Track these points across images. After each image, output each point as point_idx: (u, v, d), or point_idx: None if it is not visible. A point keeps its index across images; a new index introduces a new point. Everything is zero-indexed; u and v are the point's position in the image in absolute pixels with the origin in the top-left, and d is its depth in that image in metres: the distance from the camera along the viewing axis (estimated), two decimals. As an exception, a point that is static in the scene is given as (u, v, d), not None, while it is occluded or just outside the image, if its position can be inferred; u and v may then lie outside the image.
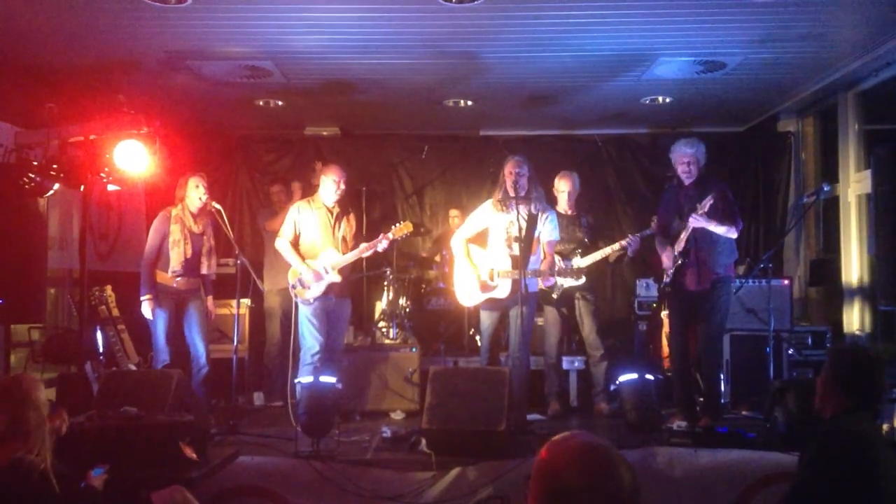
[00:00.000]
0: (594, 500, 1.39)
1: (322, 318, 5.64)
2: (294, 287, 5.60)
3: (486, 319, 5.56)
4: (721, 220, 5.17)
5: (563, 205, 6.03)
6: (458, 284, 5.58)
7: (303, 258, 5.63)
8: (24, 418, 2.98)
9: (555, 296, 5.91)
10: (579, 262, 5.79)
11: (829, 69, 6.19)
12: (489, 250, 5.49)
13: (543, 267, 5.35)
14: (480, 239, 5.62)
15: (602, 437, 1.52)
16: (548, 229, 5.41)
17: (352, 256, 5.67)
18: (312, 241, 5.69)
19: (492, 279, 5.38)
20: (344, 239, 5.74)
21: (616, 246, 5.82)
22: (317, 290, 5.57)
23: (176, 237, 5.67)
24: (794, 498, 2.78)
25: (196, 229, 5.76)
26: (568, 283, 5.83)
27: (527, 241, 5.26)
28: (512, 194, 5.28)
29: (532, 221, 5.30)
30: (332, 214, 5.74)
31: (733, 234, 5.25)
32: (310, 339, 5.60)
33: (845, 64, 6.01)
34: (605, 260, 5.93)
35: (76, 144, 4.83)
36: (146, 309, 5.62)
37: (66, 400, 5.38)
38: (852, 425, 2.81)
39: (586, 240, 5.99)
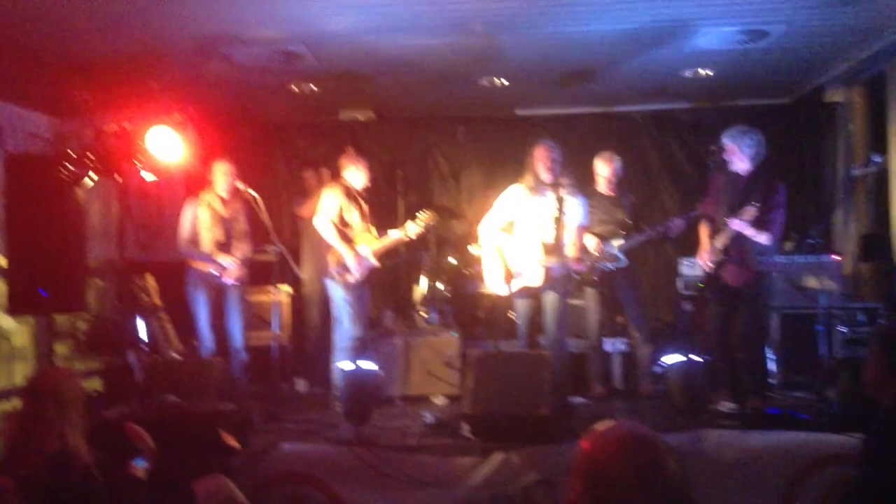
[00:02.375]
0: (642, 494, 1.31)
1: (359, 302, 5.63)
2: (336, 271, 5.58)
3: (521, 306, 5.48)
4: (759, 228, 5.01)
5: (603, 186, 5.94)
6: (489, 274, 5.50)
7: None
8: (53, 413, 2.99)
9: (595, 277, 5.80)
10: (616, 246, 5.69)
11: (878, 36, 5.93)
12: (518, 238, 5.39)
13: (574, 253, 5.23)
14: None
15: (646, 426, 1.44)
16: (577, 214, 5.30)
17: (388, 241, 5.67)
18: (352, 226, 5.69)
19: (524, 269, 5.27)
20: (372, 225, 5.77)
21: (650, 231, 5.74)
22: (358, 274, 5.58)
23: (206, 222, 5.69)
24: (863, 489, 2.66)
25: (225, 214, 5.76)
26: (608, 264, 5.74)
27: (559, 226, 5.18)
28: (544, 179, 5.19)
29: (563, 206, 5.21)
30: (361, 201, 5.75)
31: (764, 241, 5.08)
32: (349, 322, 5.59)
33: (892, 31, 5.76)
34: (648, 241, 5.82)
35: (111, 133, 4.84)
36: (231, 273, 5.63)
37: (112, 390, 5.46)
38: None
39: (628, 220, 5.88)
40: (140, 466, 3.26)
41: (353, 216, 5.72)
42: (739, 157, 5.15)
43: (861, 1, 5.13)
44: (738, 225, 5.00)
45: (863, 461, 2.72)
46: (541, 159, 5.24)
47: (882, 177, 6.85)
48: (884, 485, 2.57)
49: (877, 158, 5.79)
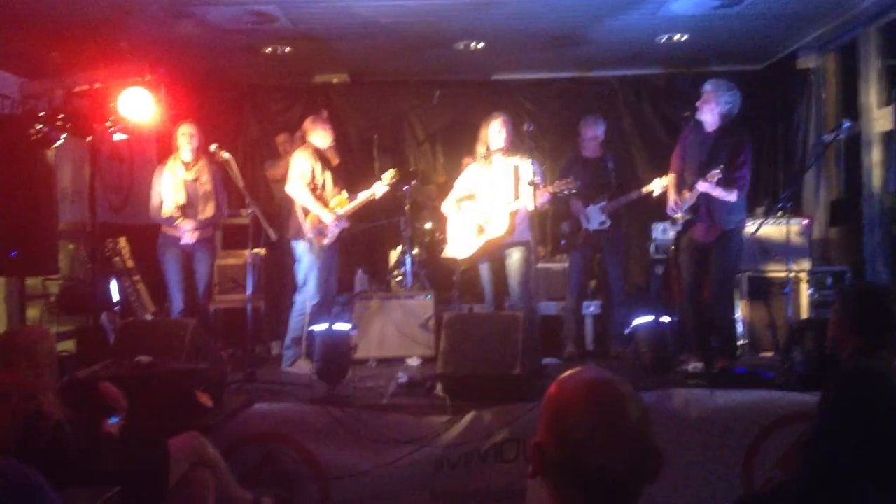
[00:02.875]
0: (599, 434, 1.36)
1: (325, 266, 5.70)
2: (311, 235, 5.59)
3: (485, 271, 5.54)
4: (726, 187, 5.03)
5: (588, 149, 6.00)
6: (452, 240, 5.55)
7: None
8: (27, 372, 3.00)
9: (580, 240, 5.88)
10: (599, 208, 5.74)
11: (849, 3, 5.97)
12: (477, 204, 5.45)
13: (527, 204, 5.25)
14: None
15: (616, 374, 1.48)
16: (527, 171, 5.31)
17: (359, 202, 5.71)
18: (324, 188, 5.70)
19: (486, 221, 5.33)
20: (337, 186, 5.80)
21: (635, 194, 5.79)
22: (332, 237, 5.62)
23: (167, 185, 5.69)
24: (816, 442, 2.74)
25: (189, 176, 5.74)
26: (593, 226, 5.83)
27: (515, 188, 5.26)
28: (496, 147, 5.25)
29: (516, 171, 5.29)
30: (330, 164, 5.80)
31: (732, 198, 5.10)
32: (315, 289, 5.65)
33: (867, -5, 5.81)
34: (627, 203, 5.89)
35: (81, 94, 4.78)
36: (187, 236, 5.67)
37: (85, 351, 5.45)
38: (870, 366, 2.75)
39: (612, 182, 5.93)
40: (114, 424, 3.28)
41: (325, 178, 5.73)
42: (711, 108, 5.12)
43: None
44: (706, 187, 5.04)
45: (819, 414, 2.80)
46: (496, 133, 5.30)
47: (852, 143, 6.93)
48: (837, 437, 2.65)
49: (846, 124, 5.85)
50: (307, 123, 5.90)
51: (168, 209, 5.67)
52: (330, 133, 5.85)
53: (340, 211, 5.68)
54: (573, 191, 5.29)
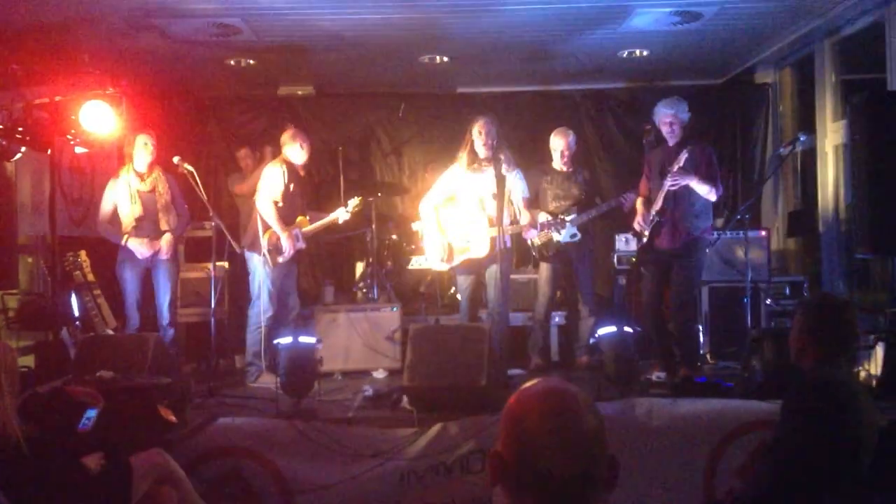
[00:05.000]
0: (554, 441, 1.39)
1: (279, 283, 5.70)
2: (269, 251, 5.58)
3: (464, 282, 5.55)
4: (703, 179, 5.15)
5: (558, 162, 6.03)
6: (430, 250, 5.56)
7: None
8: None
9: (550, 252, 5.92)
10: (572, 220, 5.79)
11: (806, 18, 6.13)
12: (460, 213, 5.45)
13: (524, 221, 5.33)
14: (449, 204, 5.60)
15: (573, 385, 1.51)
16: (518, 187, 5.38)
17: (320, 225, 5.73)
18: (290, 205, 5.67)
19: (467, 241, 5.35)
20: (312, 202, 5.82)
21: (605, 206, 5.88)
22: (288, 255, 5.61)
23: (123, 198, 5.60)
24: (777, 450, 2.80)
25: (144, 187, 5.66)
26: (564, 239, 5.86)
27: (500, 199, 5.23)
28: (482, 154, 5.25)
29: (503, 181, 5.26)
30: (302, 180, 5.80)
31: (713, 197, 5.23)
32: (267, 302, 5.64)
33: (821, 13, 5.95)
34: (599, 216, 5.96)
35: (41, 106, 4.72)
36: (138, 247, 5.58)
37: (44, 366, 5.36)
38: (830, 375, 2.82)
39: (583, 196, 5.98)
40: (90, 419, 3.23)
41: (293, 195, 5.70)
42: (679, 125, 5.28)
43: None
44: (679, 178, 5.11)
45: (779, 423, 2.86)
46: (478, 135, 5.28)
47: (809, 155, 7.10)
48: (796, 446, 2.71)
49: (802, 138, 6.00)
50: (285, 136, 5.79)
51: (127, 222, 5.58)
52: (307, 150, 5.75)
53: (299, 231, 5.68)
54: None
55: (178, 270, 5.96)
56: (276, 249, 5.58)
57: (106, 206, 5.67)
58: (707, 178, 5.18)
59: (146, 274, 5.72)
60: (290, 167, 5.70)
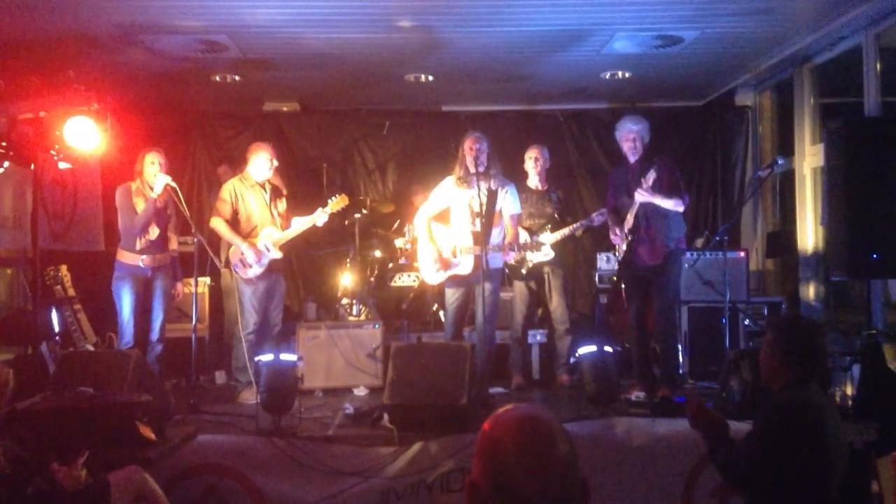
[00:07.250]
0: (528, 467, 1.42)
1: (262, 296, 5.73)
2: (236, 266, 5.61)
3: (451, 296, 5.56)
4: (667, 194, 5.24)
5: (534, 180, 6.07)
6: (423, 262, 5.58)
7: (244, 237, 5.65)
8: None
9: (524, 271, 5.95)
10: (546, 238, 5.83)
11: (785, 43, 6.25)
12: (451, 227, 5.49)
13: (507, 241, 5.37)
14: (443, 217, 5.62)
15: (546, 410, 1.55)
16: (509, 203, 5.42)
17: (292, 232, 5.75)
18: (250, 218, 5.71)
19: (454, 256, 5.38)
20: (281, 215, 5.82)
21: (577, 225, 5.93)
22: (258, 268, 5.62)
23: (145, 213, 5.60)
24: (746, 471, 2.83)
25: (158, 204, 5.68)
26: (537, 258, 5.90)
27: (488, 216, 5.28)
28: (472, 170, 5.28)
29: (493, 196, 5.32)
30: (265, 191, 5.79)
31: (680, 208, 5.32)
32: (248, 317, 5.69)
33: (800, 38, 6.08)
34: (571, 235, 5.99)
35: (25, 122, 4.73)
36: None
37: (23, 381, 5.31)
38: (800, 396, 2.85)
39: (556, 215, 6.03)
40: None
41: (250, 207, 5.72)
42: (641, 142, 5.40)
43: (769, 11, 5.40)
44: (646, 195, 5.19)
45: (745, 443, 2.90)
46: (469, 150, 5.33)
47: (787, 177, 7.20)
48: (768, 463, 2.76)
49: (780, 161, 6.10)
50: (249, 150, 5.87)
51: (141, 244, 5.60)
52: (270, 165, 5.75)
53: (269, 242, 5.67)
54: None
55: (174, 286, 5.97)
56: (241, 262, 5.62)
57: (132, 210, 5.61)
58: (672, 192, 5.27)
59: (143, 290, 5.70)
60: (248, 182, 5.75)
